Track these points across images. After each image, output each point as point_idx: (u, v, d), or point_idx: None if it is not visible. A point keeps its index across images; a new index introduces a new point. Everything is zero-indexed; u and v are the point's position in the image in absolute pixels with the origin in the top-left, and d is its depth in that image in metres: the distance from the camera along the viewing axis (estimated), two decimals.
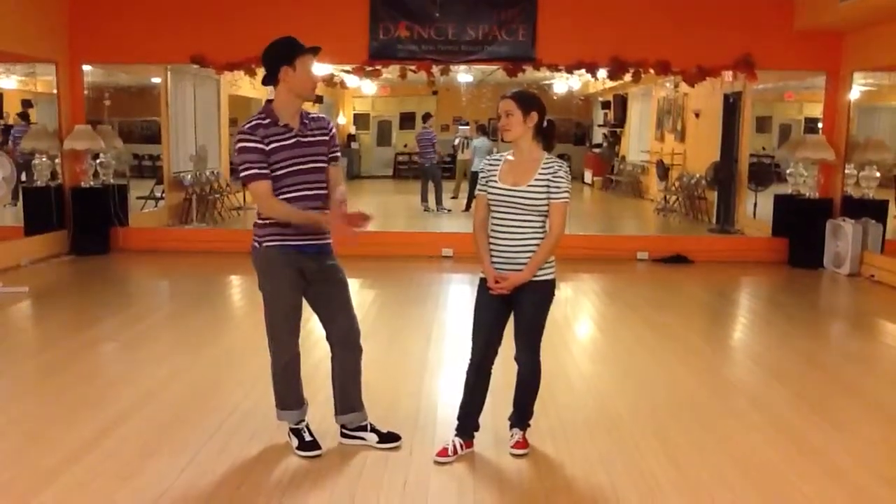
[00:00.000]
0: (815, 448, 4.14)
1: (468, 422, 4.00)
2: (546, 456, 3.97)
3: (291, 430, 4.02)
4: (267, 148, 3.66)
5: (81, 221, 10.06)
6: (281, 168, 3.69)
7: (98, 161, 10.44)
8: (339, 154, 3.98)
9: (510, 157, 3.85)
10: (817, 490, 3.64)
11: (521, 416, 4.04)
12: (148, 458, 3.87)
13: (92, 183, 10.30)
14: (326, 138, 3.85)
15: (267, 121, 3.70)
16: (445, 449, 3.92)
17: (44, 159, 9.94)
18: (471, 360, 3.94)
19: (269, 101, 3.77)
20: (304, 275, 3.82)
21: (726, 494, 3.59)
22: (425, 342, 6.09)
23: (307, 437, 3.97)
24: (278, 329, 3.89)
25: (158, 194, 12.13)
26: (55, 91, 10.15)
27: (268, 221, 3.76)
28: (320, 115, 3.93)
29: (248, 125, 3.69)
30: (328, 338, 4.00)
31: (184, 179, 12.40)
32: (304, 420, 4.03)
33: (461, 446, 3.94)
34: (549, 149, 3.88)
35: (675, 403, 4.83)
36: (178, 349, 5.97)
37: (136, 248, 10.35)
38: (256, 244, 3.81)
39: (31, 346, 6.22)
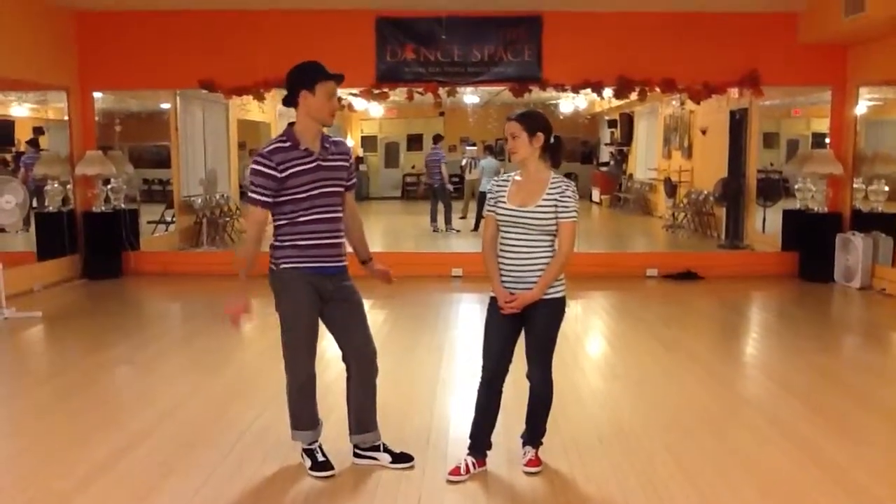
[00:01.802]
0: (832, 462, 4.12)
1: (480, 440, 4.00)
2: (559, 473, 3.96)
3: (304, 450, 4.02)
4: (281, 175, 3.68)
5: (93, 246, 10.13)
6: (300, 192, 3.72)
7: (109, 186, 10.53)
8: (356, 181, 4.05)
9: (518, 178, 3.88)
10: (833, 502, 3.63)
11: (534, 433, 4.05)
12: (163, 479, 3.88)
13: (103, 208, 10.38)
14: (346, 164, 3.90)
15: (287, 144, 3.73)
16: (458, 468, 3.92)
17: (56, 185, 10.04)
18: (482, 378, 3.95)
19: (291, 124, 3.81)
20: (321, 295, 3.85)
21: None
22: (436, 362, 6.10)
23: (320, 458, 3.98)
24: (295, 350, 3.90)
25: (169, 218, 12.21)
26: (66, 117, 10.26)
27: (285, 243, 3.79)
28: (341, 140, 3.99)
29: (268, 149, 3.73)
30: (344, 358, 4.02)
31: (194, 203, 12.49)
32: (317, 440, 4.04)
33: (474, 465, 3.94)
34: (556, 165, 3.92)
35: (688, 418, 4.82)
36: (191, 371, 6.00)
37: (148, 272, 10.41)
38: (273, 266, 3.84)
39: (45, 369, 6.26)
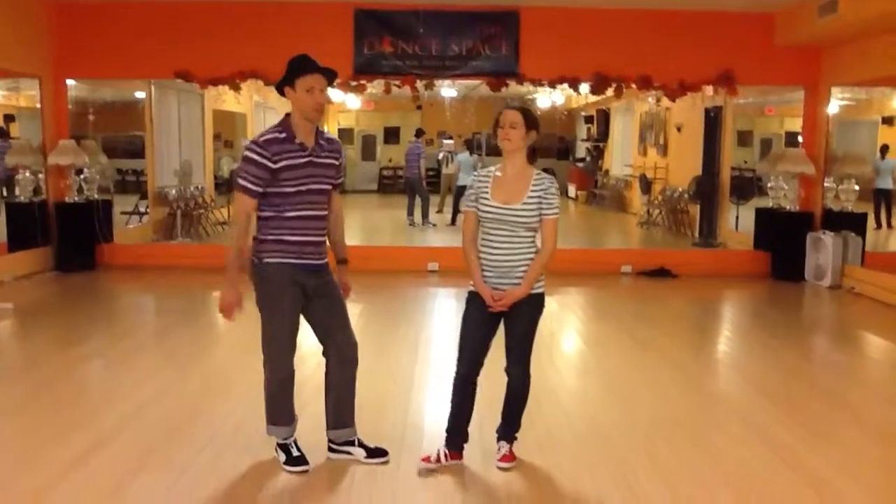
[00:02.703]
0: (802, 461, 4.18)
1: (456, 433, 4.02)
2: (534, 469, 3.99)
3: (279, 445, 4.02)
4: (275, 166, 3.66)
5: (66, 237, 10.00)
6: (290, 185, 3.70)
7: (82, 176, 10.40)
8: (343, 181, 4.03)
9: (498, 174, 3.88)
10: (804, 502, 3.68)
11: (509, 428, 4.07)
12: (137, 475, 3.86)
13: (76, 198, 10.26)
14: (337, 162, 3.89)
15: (283, 135, 3.70)
16: (429, 456, 3.97)
17: (27, 175, 9.89)
18: (457, 372, 3.97)
19: (288, 115, 3.78)
20: (304, 291, 3.84)
21: None
22: (412, 356, 6.11)
23: (295, 453, 3.97)
24: (277, 345, 3.88)
25: (143, 209, 12.09)
26: (38, 106, 10.12)
27: (269, 237, 3.76)
28: (335, 138, 3.97)
29: (264, 138, 3.69)
30: (325, 353, 4.01)
31: (168, 194, 12.38)
32: (293, 436, 4.03)
33: (446, 456, 3.97)
34: (532, 162, 3.94)
35: (662, 416, 4.87)
36: (166, 366, 5.95)
37: (121, 264, 10.30)
38: (256, 259, 3.81)
39: (17, 364, 6.17)
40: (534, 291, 3.84)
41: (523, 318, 3.86)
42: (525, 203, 3.77)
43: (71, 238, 10.01)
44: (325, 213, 3.87)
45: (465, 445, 4.05)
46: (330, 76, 3.78)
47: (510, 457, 4.02)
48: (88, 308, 8.14)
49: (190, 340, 6.73)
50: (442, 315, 7.88)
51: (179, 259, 10.55)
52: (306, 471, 3.91)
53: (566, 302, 8.62)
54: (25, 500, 3.60)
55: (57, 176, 10.18)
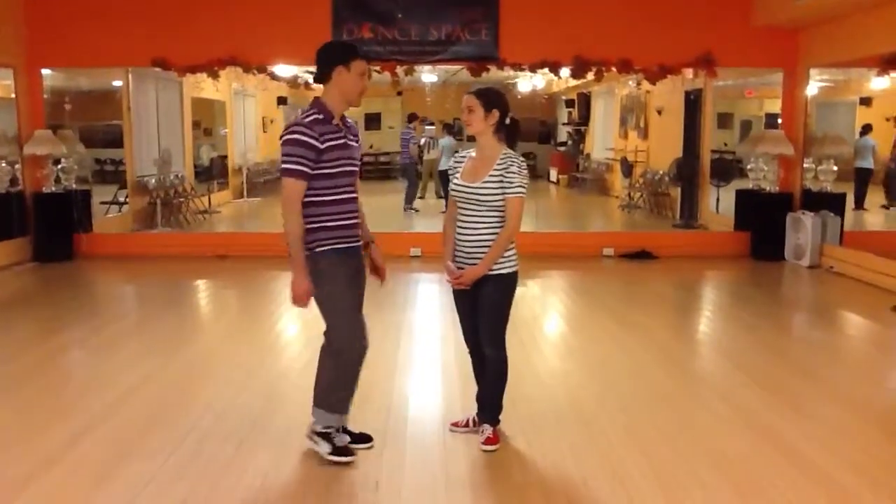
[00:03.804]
0: (782, 437, 4.23)
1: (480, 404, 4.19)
2: (518, 451, 4.02)
3: (320, 434, 3.88)
4: (322, 146, 3.61)
5: (44, 228, 9.92)
6: (333, 167, 3.66)
7: (59, 166, 10.29)
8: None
9: (473, 155, 3.98)
10: (785, 479, 3.72)
11: (489, 410, 4.11)
12: (120, 462, 3.85)
13: (54, 189, 10.16)
14: (358, 145, 3.87)
15: (322, 116, 3.66)
16: (458, 421, 4.25)
17: (3, 165, 9.78)
18: (467, 349, 4.13)
19: (318, 98, 3.74)
20: (355, 273, 3.84)
21: (696, 484, 3.66)
22: (394, 342, 6.11)
23: (339, 442, 3.90)
24: (350, 328, 3.81)
25: (122, 199, 12.00)
26: (13, 96, 9.99)
27: (313, 225, 3.69)
28: (352, 123, 3.91)
29: (307, 118, 3.63)
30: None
31: (148, 183, 12.29)
32: (339, 425, 3.95)
33: (474, 422, 4.18)
34: (511, 146, 3.96)
35: (644, 396, 4.91)
36: (147, 355, 5.92)
37: (101, 254, 10.23)
38: (307, 251, 3.70)
39: None
40: (499, 271, 3.88)
41: (486, 298, 3.91)
42: (485, 182, 3.83)
43: (49, 228, 9.93)
44: (357, 195, 3.86)
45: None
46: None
47: (493, 439, 4.04)
48: (68, 298, 8.07)
49: (172, 329, 6.69)
50: (424, 300, 7.88)
51: (160, 248, 10.49)
52: (352, 462, 3.84)
53: (548, 285, 8.64)
54: (11, 488, 3.58)
55: (34, 166, 10.08)
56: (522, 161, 3.90)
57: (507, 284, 3.93)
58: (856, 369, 5.78)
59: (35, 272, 9.34)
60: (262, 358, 5.71)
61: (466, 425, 4.22)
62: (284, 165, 3.60)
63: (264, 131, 19.52)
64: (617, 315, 7.24)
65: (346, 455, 3.86)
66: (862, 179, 11.61)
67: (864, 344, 6.66)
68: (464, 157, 4.03)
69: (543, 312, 7.44)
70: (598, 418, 4.50)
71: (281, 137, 3.65)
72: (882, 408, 4.91)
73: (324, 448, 3.87)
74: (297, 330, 6.69)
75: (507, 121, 3.92)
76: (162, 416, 4.51)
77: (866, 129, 11.57)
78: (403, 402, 4.79)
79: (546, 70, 10.45)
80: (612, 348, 6.10)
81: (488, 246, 3.85)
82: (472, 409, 4.27)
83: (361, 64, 3.73)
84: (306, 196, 3.67)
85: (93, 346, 6.18)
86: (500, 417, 4.13)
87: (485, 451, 3.99)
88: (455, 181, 3.95)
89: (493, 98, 3.90)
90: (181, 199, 13.18)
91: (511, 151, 3.91)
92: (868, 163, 11.52)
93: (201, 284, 8.86)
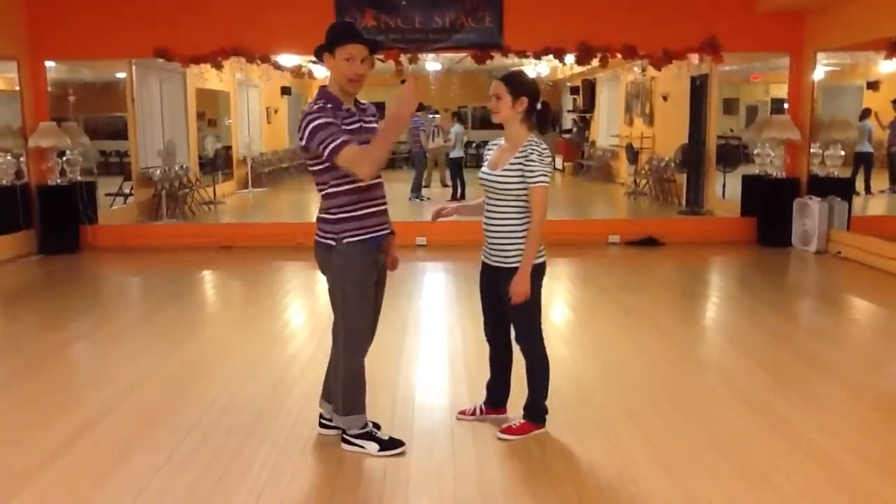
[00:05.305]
0: (787, 423, 4.21)
1: (491, 392, 4.22)
2: (523, 441, 3.99)
3: (361, 436, 3.84)
4: (340, 123, 3.53)
5: (49, 220, 9.93)
6: None
7: (64, 158, 10.30)
8: None
9: (503, 142, 3.91)
10: (790, 463, 3.71)
11: (534, 410, 4.04)
12: (125, 456, 3.85)
13: (59, 181, 10.17)
14: (377, 126, 3.75)
15: (329, 105, 3.56)
16: (466, 409, 4.26)
17: (8, 157, 9.79)
18: (485, 337, 4.15)
19: (324, 87, 3.66)
20: (377, 269, 3.76)
21: (702, 470, 3.65)
22: (401, 332, 6.10)
23: (384, 437, 3.86)
24: (361, 332, 3.75)
25: (127, 191, 12.01)
26: (17, 88, 9.99)
27: (340, 215, 3.61)
28: (367, 104, 3.81)
29: (317, 106, 3.53)
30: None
31: (153, 175, 12.29)
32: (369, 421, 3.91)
33: (482, 410, 4.21)
34: (542, 131, 3.91)
35: (650, 383, 4.89)
36: (152, 347, 5.93)
37: (106, 246, 10.24)
38: (332, 241, 3.63)
39: (2, 348, 6.13)
40: (510, 265, 3.82)
41: (506, 293, 3.83)
42: (506, 169, 3.76)
43: (54, 221, 9.94)
44: (381, 180, 3.75)
45: (505, 404, 4.21)
46: (373, 46, 3.66)
47: (511, 429, 4.00)
48: (73, 290, 8.09)
49: (177, 321, 6.70)
50: (430, 290, 7.87)
51: (165, 240, 10.50)
52: (403, 452, 3.82)
53: (554, 272, 8.59)
54: (14, 482, 3.59)
55: (38, 159, 10.08)
56: (545, 148, 3.77)
57: (533, 276, 3.85)
58: (863, 354, 5.75)
59: (40, 264, 9.35)
60: (267, 349, 5.70)
61: (473, 413, 4.21)
62: (331, 146, 3.43)
63: (268, 122, 19.50)
64: (622, 302, 7.22)
65: (396, 447, 3.82)
66: (862, 163, 11.53)
67: (871, 329, 6.62)
68: (495, 144, 3.95)
69: (549, 300, 7.40)
70: (604, 405, 4.49)
71: (301, 136, 3.51)
72: (889, 392, 4.88)
73: (372, 447, 3.81)
74: (303, 321, 6.68)
75: (538, 106, 3.82)
76: (167, 408, 4.51)
77: (865, 112, 11.48)
78: (410, 390, 4.79)
79: (551, 57, 10.40)
80: (617, 335, 6.08)
81: (511, 235, 3.79)
82: (479, 398, 4.27)
83: (347, 49, 3.54)
84: (325, 187, 3.60)
85: (98, 338, 6.19)
86: (540, 414, 4.06)
87: (501, 439, 3.96)
88: (483, 169, 3.91)
89: (522, 84, 3.77)
90: (186, 191, 13.18)
91: (534, 139, 3.79)
92: (866, 147, 11.45)
93: (206, 275, 8.86)
